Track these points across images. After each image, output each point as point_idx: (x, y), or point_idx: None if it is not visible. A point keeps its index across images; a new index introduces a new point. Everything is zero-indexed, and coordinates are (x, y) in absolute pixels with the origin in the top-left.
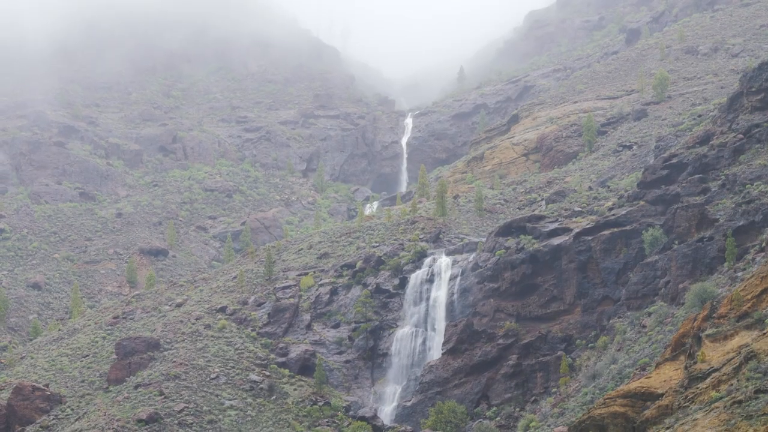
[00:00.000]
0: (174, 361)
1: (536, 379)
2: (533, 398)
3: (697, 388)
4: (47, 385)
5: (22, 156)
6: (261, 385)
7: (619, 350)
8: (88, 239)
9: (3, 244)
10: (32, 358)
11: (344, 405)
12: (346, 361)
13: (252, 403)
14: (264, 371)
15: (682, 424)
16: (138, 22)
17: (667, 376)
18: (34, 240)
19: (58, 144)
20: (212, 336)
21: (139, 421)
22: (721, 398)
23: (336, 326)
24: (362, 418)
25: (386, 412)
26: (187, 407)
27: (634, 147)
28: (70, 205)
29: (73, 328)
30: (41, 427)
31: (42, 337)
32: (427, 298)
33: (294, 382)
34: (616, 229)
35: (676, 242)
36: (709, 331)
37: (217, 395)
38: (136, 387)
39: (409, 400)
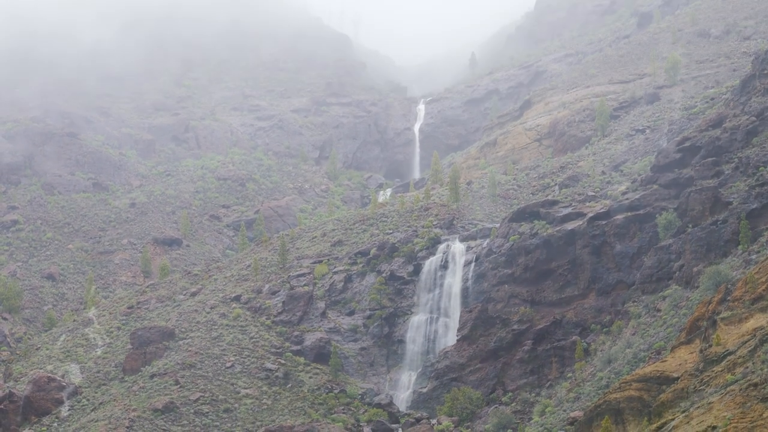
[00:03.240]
0: (189, 350)
1: (551, 364)
2: (548, 383)
3: (713, 371)
4: (63, 376)
5: (34, 147)
6: (276, 374)
7: (633, 334)
8: (101, 229)
9: (17, 236)
10: (48, 349)
11: (360, 392)
12: (362, 349)
13: (268, 391)
14: (279, 359)
15: (698, 407)
16: (149, 12)
17: (682, 360)
18: (47, 231)
19: (70, 135)
20: (227, 325)
21: (155, 410)
22: (736, 381)
23: (350, 314)
24: (378, 405)
25: (402, 399)
26: (203, 396)
27: (647, 131)
28: (84, 196)
29: (88, 318)
30: (57, 417)
31: (57, 327)
32: (441, 285)
33: (309, 370)
34: (629, 214)
35: (690, 226)
36: (723, 315)
37: (232, 384)
38: (151, 377)
39: (425, 387)
